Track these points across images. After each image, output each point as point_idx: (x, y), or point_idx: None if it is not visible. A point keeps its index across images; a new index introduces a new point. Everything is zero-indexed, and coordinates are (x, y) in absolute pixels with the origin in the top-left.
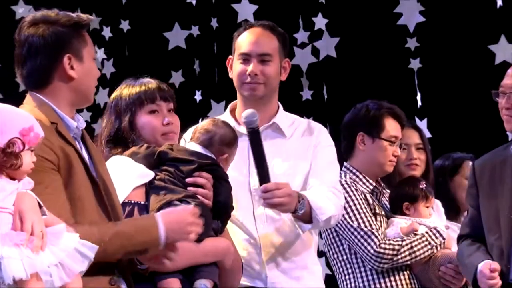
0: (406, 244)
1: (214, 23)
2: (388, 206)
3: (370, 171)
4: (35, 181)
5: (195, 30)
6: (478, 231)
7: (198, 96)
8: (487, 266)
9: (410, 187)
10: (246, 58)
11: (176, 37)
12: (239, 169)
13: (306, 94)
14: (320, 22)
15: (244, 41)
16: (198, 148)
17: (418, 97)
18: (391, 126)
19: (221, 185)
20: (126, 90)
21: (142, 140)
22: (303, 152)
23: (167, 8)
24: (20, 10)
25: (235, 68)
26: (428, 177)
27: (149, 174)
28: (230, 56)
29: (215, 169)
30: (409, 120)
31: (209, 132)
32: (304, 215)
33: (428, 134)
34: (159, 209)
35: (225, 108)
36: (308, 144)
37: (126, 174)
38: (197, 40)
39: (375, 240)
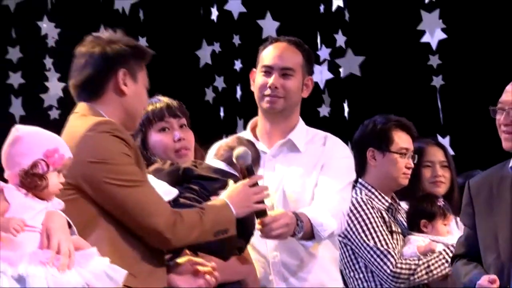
0: (423, 263)
1: (236, 39)
2: (405, 223)
3: (385, 186)
4: (130, 174)
5: (216, 47)
6: (474, 251)
7: (221, 113)
8: (485, 279)
9: (428, 204)
10: (268, 70)
11: (205, 54)
12: None
13: (324, 110)
14: (341, 39)
15: (268, 54)
16: (221, 165)
17: (441, 114)
18: (400, 138)
19: None
20: None
21: (157, 159)
22: (313, 166)
23: (189, 25)
24: (45, 25)
25: (257, 80)
26: (452, 195)
27: (172, 192)
28: (253, 69)
29: None
30: (432, 137)
31: (233, 150)
32: (305, 234)
33: (450, 152)
34: None
35: (245, 126)
36: (320, 156)
37: None
38: (219, 56)
39: (392, 259)
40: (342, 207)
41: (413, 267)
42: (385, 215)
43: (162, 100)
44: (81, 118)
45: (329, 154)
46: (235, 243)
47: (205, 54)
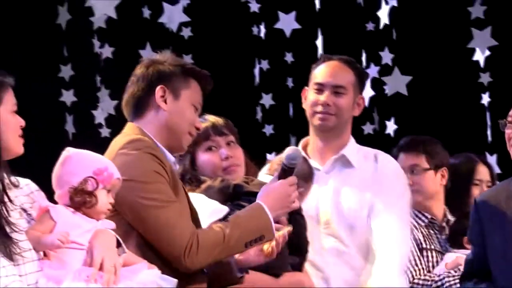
0: (439, 280)
1: (289, 57)
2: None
3: (420, 204)
4: (157, 193)
5: (264, 64)
6: (483, 269)
7: (268, 130)
8: None
9: (468, 221)
10: (320, 88)
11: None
12: (308, 204)
13: (368, 128)
14: (387, 57)
15: (320, 72)
16: None
17: (489, 132)
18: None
19: (295, 219)
20: None
21: (206, 178)
22: (368, 182)
23: (237, 43)
24: (97, 43)
25: (309, 97)
26: None
27: (222, 210)
28: (305, 87)
29: None
30: (480, 155)
31: None
32: None
33: (497, 170)
34: None
35: (296, 143)
36: (373, 172)
37: (200, 211)
38: (268, 74)
39: (409, 275)
40: (407, 252)
41: (427, 282)
42: (415, 233)
43: (208, 119)
44: (121, 137)
45: (383, 171)
46: (287, 260)
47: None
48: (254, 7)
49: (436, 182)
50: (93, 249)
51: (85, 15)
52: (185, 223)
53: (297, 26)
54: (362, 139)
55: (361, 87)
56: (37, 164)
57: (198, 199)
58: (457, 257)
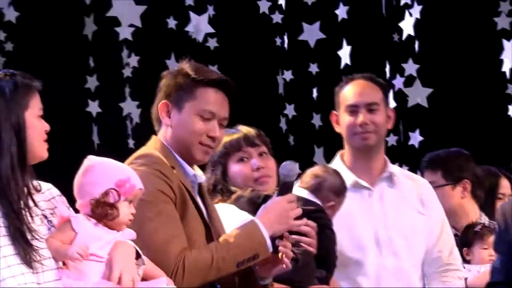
0: None
1: (314, 68)
2: None
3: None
4: (155, 212)
5: (288, 75)
6: (509, 277)
7: (292, 140)
8: None
9: (464, 233)
10: (353, 109)
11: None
12: (365, 222)
13: (391, 139)
14: (411, 68)
15: (349, 93)
16: (305, 193)
17: None
18: None
19: (325, 233)
20: None
21: (237, 189)
22: (415, 201)
23: (261, 53)
24: (122, 53)
25: (344, 120)
26: None
27: None
28: (333, 112)
29: (320, 217)
30: (501, 168)
31: (318, 178)
32: None
33: None
34: None
35: (324, 154)
36: (415, 191)
37: (230, 222)
38: (291, 84)
39: None
40: (461, 274)
41: None
42: None
43: (240, 130)
44: (140, 150)
45: (424, 190)
46: (313, 273)
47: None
48: (277, 18)
49: (456, 196)
50: (112, 262)
51: (111, 25)
52: (173, 248)
53: (321, 36)
54: (386, 151)
55: (387, 100)
56: (64, 174)
57: (228, 210)
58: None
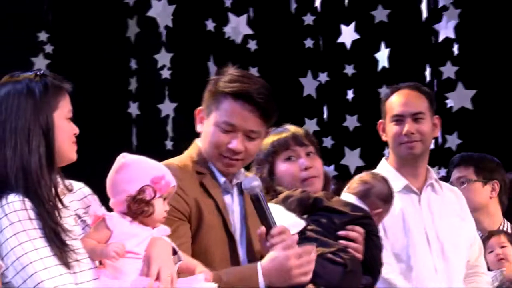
0: None
1: (349, 69)
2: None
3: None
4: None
5: (323, 77)
6: None
7: (327, 143)
8: None
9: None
10: (399, 119)
11: (309, 84)
12: (415, 227)
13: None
14: (450, 70)
15: (395, 103)
16: (352, 198)
17: None
18: None
19: (372, 240)
20: (264, 141)
21: (283, 189)
22: (458, 212)
23: (295, 55)
24: (160, 56)
25: (390, 130)
26: None
27: (300, 224)
28: (380, 121)
29: (367, 223)
30: None
31: (367, 184)
32: None
33: None
34: None
35: (360, 156)
36: (454, 198)
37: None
38: (326, 86)
39: None
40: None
41: None
42: None
43: (288, 129)
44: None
45: (463, 202)
46: (360, 280)
47: (310, 83)
48: (309, 20)
49: (484, 193)
50: (150, 258)
51: (152, 28)
52: None
53: (357, 36)
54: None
55: (433, 108)
56: (104, 175)
57: (276, 211)
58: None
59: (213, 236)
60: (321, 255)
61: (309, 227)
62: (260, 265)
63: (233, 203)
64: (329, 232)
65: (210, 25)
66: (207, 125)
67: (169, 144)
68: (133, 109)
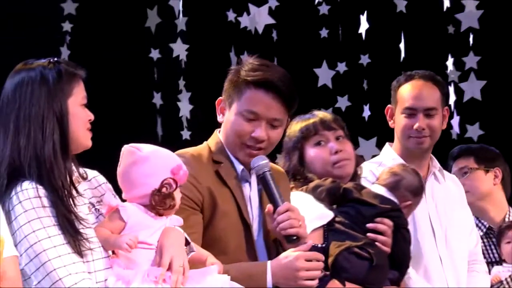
0: None
1: (365, 59)
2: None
3: (475, 208)
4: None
5: (341, 67)
6: None
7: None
8: None
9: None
10: (411, 113)
11: (325, 74)
12: (420, 217)
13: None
14: (471, 60)
15: (407, 94)
16: (382, 190)
17: None
18: None
19: (401, 233)
20: (292, 128)
21: (314, 176)
22: (460, 201)
23: (312, 45)
24: (177, 46)
25: (399, 121)
26: None
27: (328, 215)
28: (389, 106)
29: (396, 216)
30: None
31: (397, 176)
32: None
33: None
34: (338, 255)
35: (376, 144)
36: (456, 188)
37: (305, 215)
38: (343, 76)
39: None
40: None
41: None
42: None
43: (316, 115)
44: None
45: (459, 186)
46: (386, 275)
47: (325, 74)
48: (324, 9)
49: (487, 181)
50: (162, 248)
51: (172, 18)
52: None
53: (367, 26)
54: (445, 144)
55: (445, 99)
56: None
57: (304, 201)
58: (495, 274)
59: (228, 224)
60: (347, 249)
61: (337, 219)
62: (270, 263)
63: (251, 191)
64: (357, 225)
65: (231, 15)
66: (229, 115)
67: (186, 134)
68: (157, 99)
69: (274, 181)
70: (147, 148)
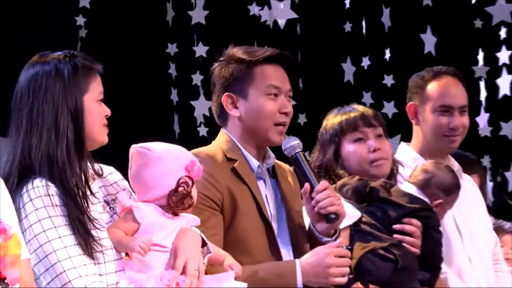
0: None
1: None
2: None
3: None
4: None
5: (365, 61)
6: None
7: None
8: None
9: None
10: (447, 110)
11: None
12: (447, 216)
13: (484, 130)
14: (504, 55)
15: (440, 91)
16: (412, 189)
17: None
18: None
19: (430, 234)
20: (330, 120)
21: (347, 172)
22: (478, 198)
23: (337, 39)
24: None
25: (430, 119)
26: None
27: (354, 215)
28: (412, 103)
29: (426, 216)
30: None
31: (428, 173)
32: None
33: None
34: (362, 257)
35: (403, 138)
36: (476, 191)
37: None
38: (367, 71)
39: None
40: None
41: None
42: None
43: (357, 109)
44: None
45: (476, 189)
46: (415, 276)
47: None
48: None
49: None
50: (177, 250)
51: (187, 11)
52: None
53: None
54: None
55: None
56: None
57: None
58: None
59: (249, 223)
60: (372, 251)
61: (363, 219)
62: (299, 262)
63: (266, 188)
64: (383, 225)
65: (254, 9)
66: (248, 104)
67: (203, 131)
68: (174, 95)
69: (308, 161)
70: (157, 147)
